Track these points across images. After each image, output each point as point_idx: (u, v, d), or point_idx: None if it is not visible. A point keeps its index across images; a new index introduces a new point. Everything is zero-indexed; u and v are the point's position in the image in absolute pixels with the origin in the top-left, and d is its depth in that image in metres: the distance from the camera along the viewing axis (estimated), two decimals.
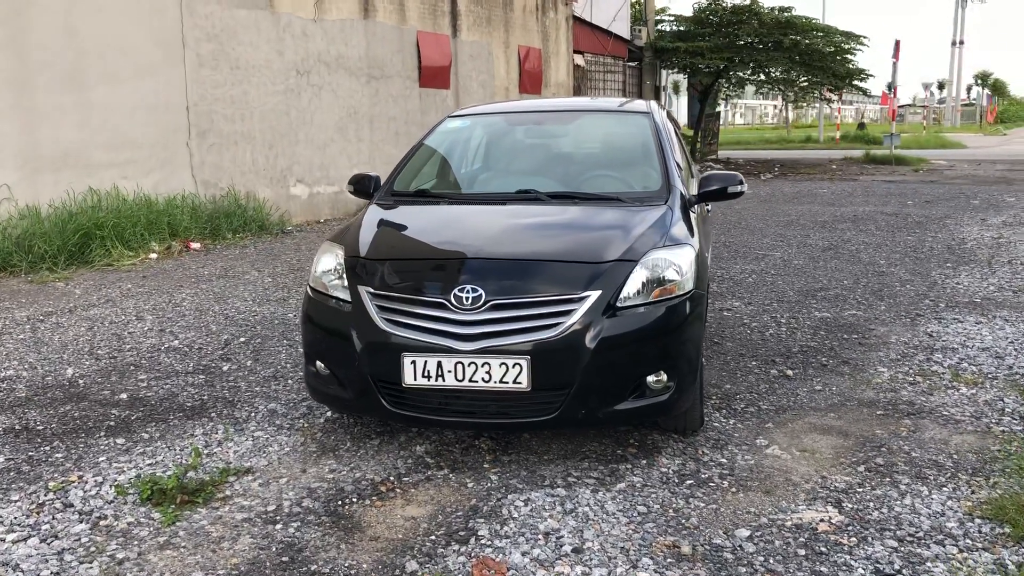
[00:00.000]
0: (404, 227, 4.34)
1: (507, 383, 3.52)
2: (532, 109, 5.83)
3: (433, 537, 3.20)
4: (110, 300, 7.45)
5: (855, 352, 5.52)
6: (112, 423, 4.47)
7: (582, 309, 3.56)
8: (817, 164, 23.51)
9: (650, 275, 3.73)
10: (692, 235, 4.14)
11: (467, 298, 3.58)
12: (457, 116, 5.48)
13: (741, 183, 4.67)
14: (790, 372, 5.12)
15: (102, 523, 3.36)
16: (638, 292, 3.68)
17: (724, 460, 3.85)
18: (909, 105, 69.71)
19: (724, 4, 23.11)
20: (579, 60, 20.04)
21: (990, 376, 4.97)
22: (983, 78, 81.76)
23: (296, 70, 12.76)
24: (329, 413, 4.50)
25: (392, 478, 3.72)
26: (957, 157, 27.00)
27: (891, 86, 29.54)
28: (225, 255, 9.82)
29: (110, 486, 3.68)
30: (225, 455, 4.01)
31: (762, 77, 24.12)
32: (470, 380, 3.54)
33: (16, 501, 3.56)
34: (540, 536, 3.17)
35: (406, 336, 3.62)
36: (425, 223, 4.35)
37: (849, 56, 22.80)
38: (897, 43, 23.02)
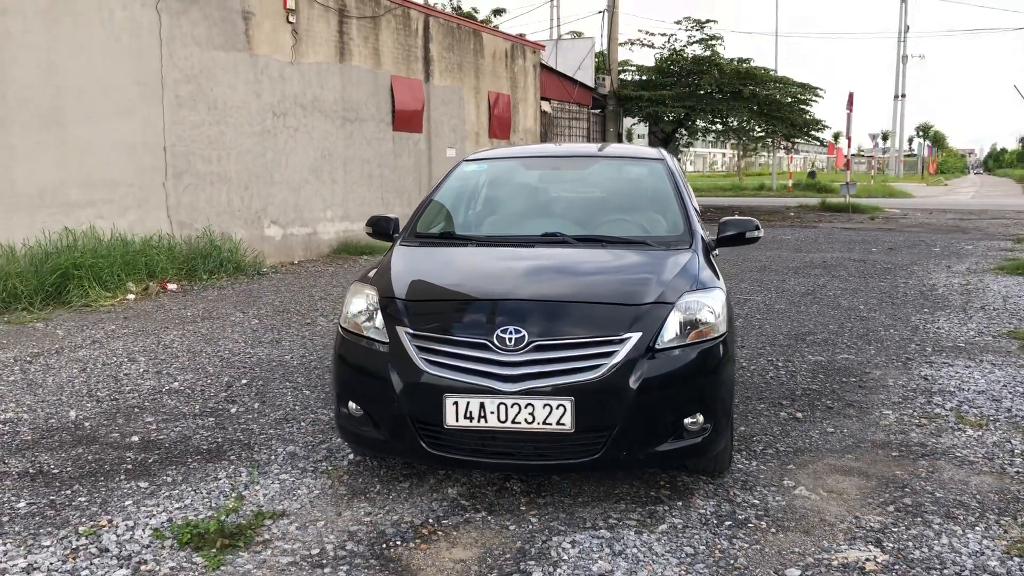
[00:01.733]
0: (437, 268, 4.36)
1: (550, 424, 3.54)
2: (547, 154, 5.92)
3: None
4: (96, 341, 7.31)
5: (857, 395, 5.64)
6: (130, 466, 4.38)
7: (624, 351, 3.61)
8: (775, 211, 24.03)
9: (686, 318, 3.80)
10: (718, 278, 4.22)
11: (510, 339, 3.60)
12: (473, 160, 5.55)
13: (757, 228, 4.79)
14: (799, 415, 5.21)
15: (143, 568, 3.29)
16: (676, 335, 3.74)
17: (756, 501, 3.90)
18: (855, 155, 71.59)
19: (685, 55, 23.68)
20: (546, 107, 20.33)
21: (992, 419, 5.11)
22: (924, 130, 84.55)
23: (273, 112, 12.76)
24: (352, 455, 4.47)
25: (431, 520, 3.70)
26: (907, 206, 27.82)
27: (837, 136, 30.44)
28: (204, 296, 9.71)
29: (143, 530, 3.60)
30: (255, 498, 3.95)
31: (721, 126, 24.67)
32: (513, 421, 3.55)
33: (49, 547, 3.47)
34: None
35: (448, 377, 3.63)
36: (458, 264, 4.37)
37: (806, 107, 23.47)
38: (851, 95, 23.74)
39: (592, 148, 7.31)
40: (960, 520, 3.70)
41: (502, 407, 3.55)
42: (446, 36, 16.56)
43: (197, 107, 11.54)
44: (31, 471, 4.31)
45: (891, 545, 3.45)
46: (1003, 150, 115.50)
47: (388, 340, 3.83)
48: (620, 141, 23.86)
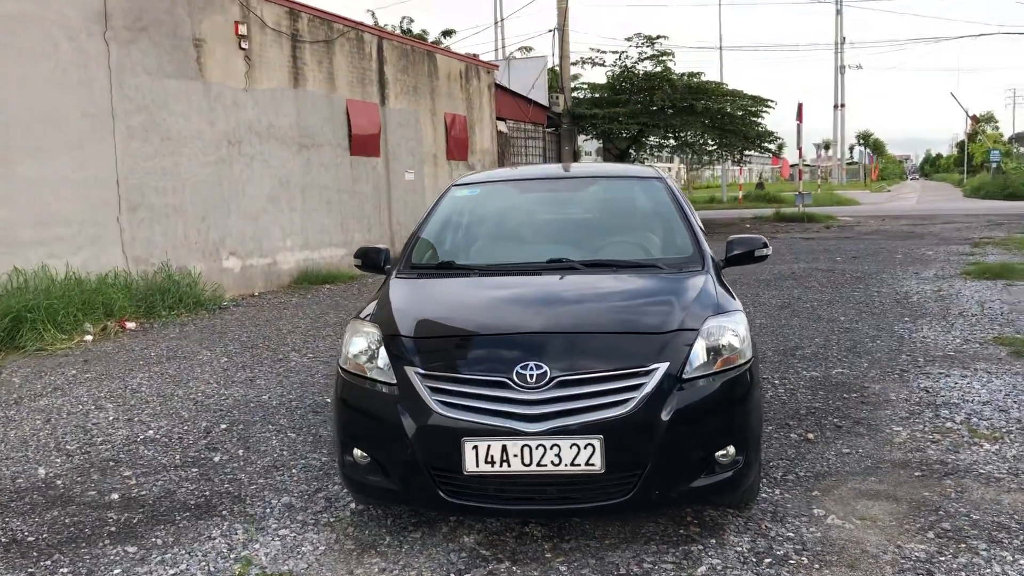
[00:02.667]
0: (442, 302, 4.09)
1: (579, 465, 3.31)
2: (540, 176, 5.71)
3: None
4: (58, 388, 6.90)
5: (863, 412, 5.50)
6: (113, 528, 4.04)
7: (652, 382, 3.40)
8: (731, 223, 24.13)
9: (711, 344, 3.60)
10: (734, 300, 4.04)
11: (531, 375, 3.37)
12: (463, 184, 5.31)
13: (766, 246, 4.63)
14: (811, 435, 5.05)
15: None
16: (703, 363, 3.54)
17: (791, 534, 3.71)
18: (795, 164, 72.78)
19: (637, 71, 23.74)
20: (502, 126, 20.19)
21: (1005, 431, 5.00)
22: (864, 138, 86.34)
23: (228, 140, 12.41)
24: (354, 504, 4.18)
25: (454, 575, 3.43)
26: (858, 213, 28.19)
27: (780, 147, 30.77)
28: (165, 334, 9.30)
29: None
30: (257, 559, 3.65)
31: (674, 141, 24.76)
32: (538, 464, 3.31)
33: None
34: None
35: (465, 419, 3.38)
36: (465, 297, 4.12)
37: (757, 119, 23.66)
38: (800, 106, 24.03)
39: (586, 168, 7.12)
40: (1006, 545, 3.54)
41: (526, 449, 3.31)
42: (400, 58, 16.34)
43: (150, 138, 11.15)
44: (2, 540, 3.95)
45: None
46: (938, 155, 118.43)
47: (396, 381, 3.57)
48: (575, 159, 23.80)
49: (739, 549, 3.57)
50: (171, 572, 3.55)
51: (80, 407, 6.29)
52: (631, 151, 24.90)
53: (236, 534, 3.91)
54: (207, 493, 4.47)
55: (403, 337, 3.68)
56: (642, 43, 23.54)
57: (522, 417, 3.34)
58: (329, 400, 6.22)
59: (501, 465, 3.33)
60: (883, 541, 3.62)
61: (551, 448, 3.30)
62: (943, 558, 3.44)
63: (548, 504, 3.46)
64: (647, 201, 4.98)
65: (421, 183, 17.04)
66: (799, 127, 24.12)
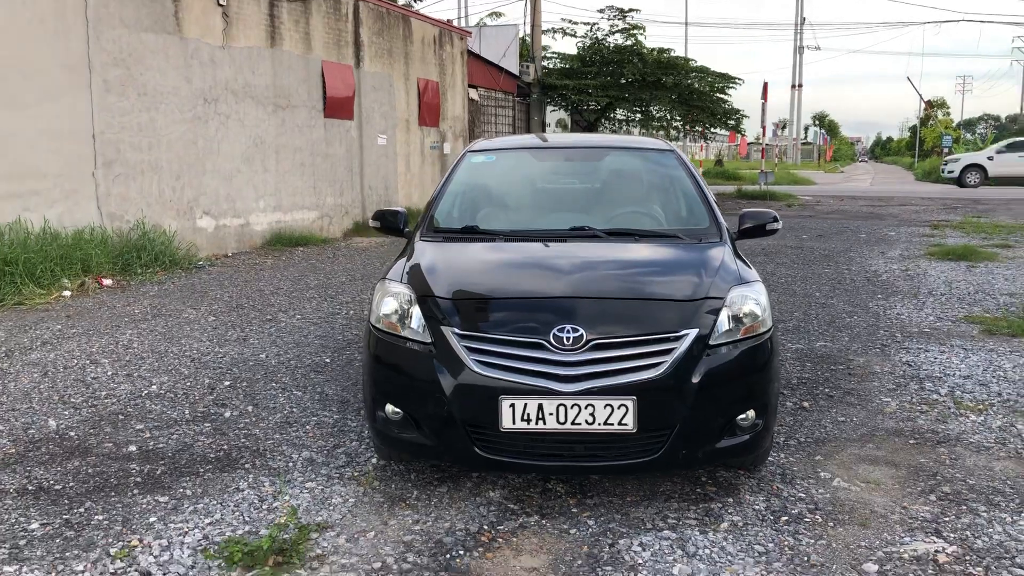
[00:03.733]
0: (474, 265, 4.17)
1: (612, 424, 3.44)
2: (555, 145, 5.79)
3: None
4: (47, 343, 6.85)
5: (851, 383, 5.73)
6: (139, 479, 4.09)
7: (682, 347, 3.54)
8: None
9: (735, 312, 3.75)
10: (752, 270, 4.20)
11: (568, 338, 3.49)
12: (478, 151, 5.37)
13: (776, 220, 4.79)
14: (806, 404, 5.25)
15: None
16: (728, 330, 3.69)
17: (802, 495, 3.89)
18: (755, 143, 73.68)
19: (607, 44, 23.80)
20: (473, 94, 20.14)
21: (988, 403, 5.25)
22: (820, 119, 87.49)
23: (204, 98, 12.24)
24: (376, 459, 4.28)
25: (486, 527, 3.56)
26: (816, 193, 28.68)
27: (740, 120, 31.11)
28: (144, 292, 9.24)
29: (180, 549, 3.36)
30: (286, 510, 3.73)
31: (642, 115, 24.92)
32: (572, 423, 3.44)
33: (83, 572, 3.19)
34: None
35: (503, 378, 3.49)
36: (496, 261, 4.21)
37: (723, 96, 23.91)
38: (765, 84, 24.34)
39: (600, 139, 7.20)
40: (1003, 507, 3.76)
41: (561, 408, 3.43)
42: (376, 21, 16.20)
43: (126, 92, 10.96)
44: (30, 488, 3.98)
45: (952, 535, 3.48)
46: (889, 138, 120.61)
47: (431, 340, 3.66)
48: (544, 130, 23.85)
49: (757, 507, 3.75)
50: (207, 521, 3.62)
51: (75, 362, 6.26)
52: (600, 123, 25.01)
53: (264, 486, 3.99)
54: (225, 447, 4.53)
55: (439, 298, 3.77)
56: (614, 16, 23.61)
57: (558, 378, 3.46)
58: (329, 361, 6.30)
59: (536, 423, 3.45)
60: (889, 502, 3.82)
61: (585, 408, 3.43)
62: (947, 518, 3.65)
63: (579, 461, 3.59)
64: (662, 172, 5.10)
65: (393, 148, 16.98)
66: (764, 106, 24.42)
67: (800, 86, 66.62)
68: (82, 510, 3.73)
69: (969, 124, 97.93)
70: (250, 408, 5.18)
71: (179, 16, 11.72)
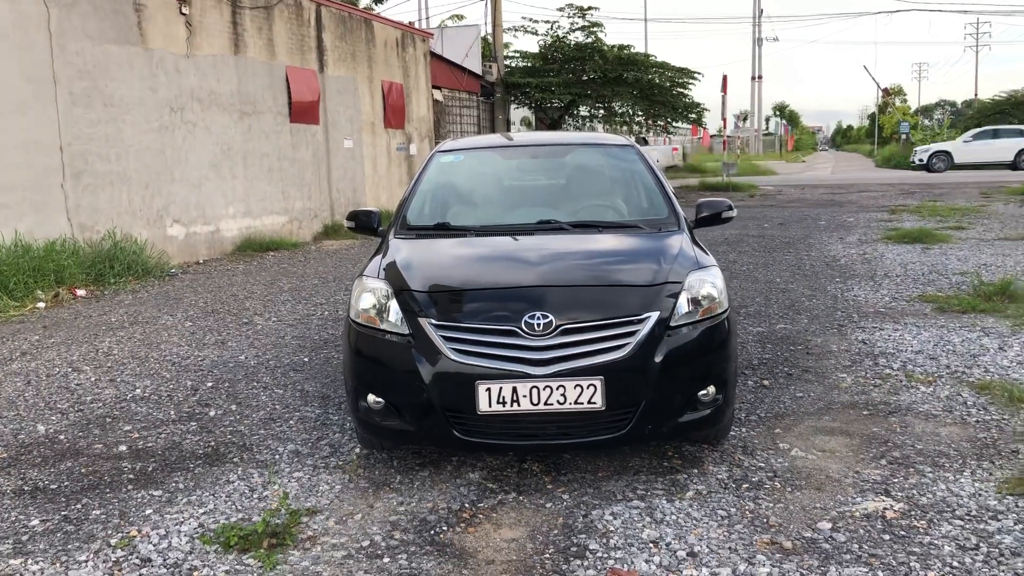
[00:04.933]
0: (446, 259, 4.39)
1: (582, 404, 3.67)
2: (521, 143, 6.01)
3: (548, 555, 3.31)
4: (26, 353, 6.97)
5: (809, 361, 6.01)
6: (131, 476, 4.26)
7: (644, 329, 3.78)
8: None
9: (693, 295, 4.00)
10: (709, 256, 4.45)
11: (538, 324, 3.72)
12: (447, 151, 5.58)
13: (731, 208, 5.05)
14: (766, 382, 5.52)
15: (196, 574, 3.25)
16: (687, 312, 3.94)
17: (762, 464, 4.15)
18: (717, 135, 74.46)
19: (568, 42, 24.09)
20: (437, 95, 20.32)
21: (937, 375, 5.55)
22: (780, 109, 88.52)
23: (170, 107, 12.34)
24: (359, 449, 4.48)
25: (467, 505, 3.78)
26: (778, 182, 29.17)
27: (700, 114, 31.52)
28: (119, 301, 9.34)
29: (178, 537, 3.55)
30: (277, 498, 3.93)
31: (604, 111, 25.24)
32: (545, 403, 3.67)
33: (86, 561, 3.37)
34: (650, 544, 3.35)
35: (479, 364, 3.71)
36: (467, 255, 4.42)
37: (684, 91, 24.30)
38: (724, 78, 24.72)
39: (563, 136, 7.42)
40: (947, 468, 4.04)
41: (534, 390, 3.66)
42: (338, 25, 16.34)
43: (92, 104, 11.05)
44: (26, 488, 4.14)
45: (900, 494, 3.75)
46: (849, 127, 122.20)
47: (409, 332, 3.87)
48: (508, 128, 24.08)
49: (719, 477, 4.00)
50: (201, 511, 3.81)
51: (57, 370, 6.40)
52: (563, 120, 25.30)
53: (253, 477, 4.18)
54: (212, 443, 4.70)
55: (415, 291, 3.98)
56: (574, 14, 23.90)
57: (531, 362, 3.69)
58: (307, 360, 6.48)
59: (511, 405, 3.67)
60: (843, 468, 4.09)
61: (557, 389, 3.66)
62: (896, 480, 3.92)
63: (552, 439, 3.82)
64: (623, 167, 5.35)
65: (360, 151, 17.13)
66: (724, 99, 24.82)
67: (760, 78, 67.39)
68: (79, 506, 3.90)
69: (926, 110, 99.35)
70: (234, 407, 5.36)
71: (142, 27, 11.82)
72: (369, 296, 4.11)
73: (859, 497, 3.74)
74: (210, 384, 5.88)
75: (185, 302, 9.19)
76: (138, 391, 5.78)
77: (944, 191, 21.93)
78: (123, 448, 4.67)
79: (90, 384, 5.98)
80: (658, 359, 3.76)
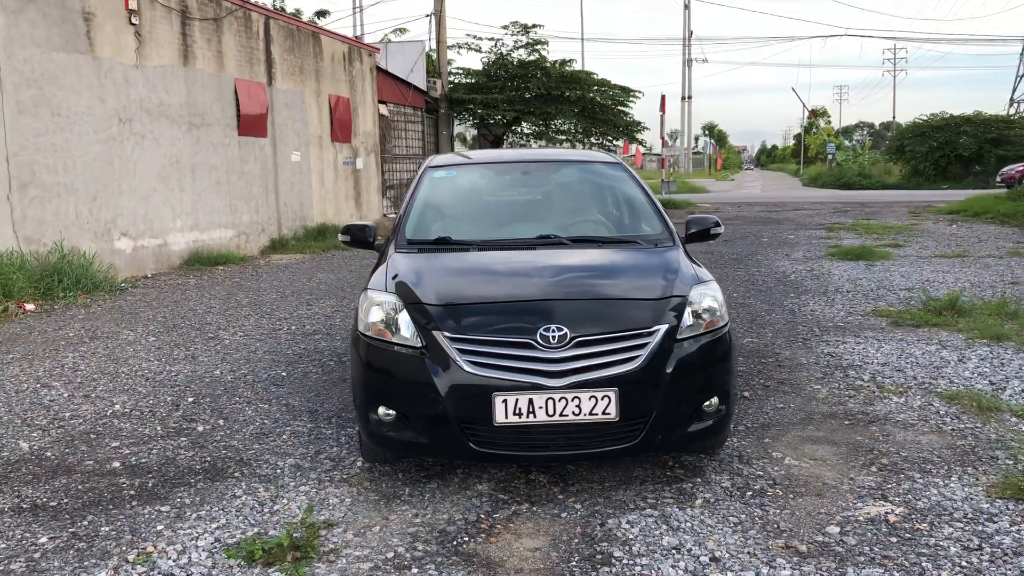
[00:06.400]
0: (456, 273, 4.43)
1: (596, 415, 3.76)
2: (512, 160, 6.08)
3: (574, 562, 3.37)
4: None
5: (782, 374, 6.20)
6: (132, 492, 4.19)
7: (655, 341, 3.89)
8: None
9: (697, 309, 4.13)
10: (705, 271, 4.59)
11: (553, 337, 3.79)
12: (439, 167, 5.63)
13: (718, 224, 5.20)
14: (746, 394, 5.69)
15: None
16: (691, 325, 4.06)
17: (760, 472, 4.29)
18: (648, 153, 75.68)
19: (512, 59, 24.30)
20: (383, 110, 20.29)
21: (906, 386, 5.79)
22: (710, 129, 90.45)
23: (119, 117, 12.10)
24: (361, 462, 4.49)
25: (483, 516, 3.83)
26: (713, 200, 29.83)
27: (635, 133, 31.99)
28: (72, 316, 9.12)
29: (197, 553, 3.52)
30: (289, 510, 3.92)
31: (545, 128, 25.49)
32: (560, 414, 3.75)
33: None
34: (672, 551, 3.44)
35: (495, 376, 3.77)
36: (476, 269, 4.47)
37: (625, 109, 24.70)
38: (663, 97, 25.27)
39: (553, 153, 7.52)
40: (935, 473, 4.24)
41: (550, 402, 3.73)
42: (287, 38, 16.24)
43: (40, 113, 10.78)
44: (24, 506, 4.05)
45: (897, 499, 3.92)
46: (774, 147, 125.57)
47: (421, 345, 3.91)
48: (452, 144, 24.15)
49: (723, 485, 4.12)
50: (214, 526, 3.78)
51: (25, 386, 6.23)
52: (506, 137, 25.47)
53: (259, 492, 4.15)
54: (208, 459, 4.65)
55: (427, 305, 4.02)
56: (518, 31, 24.13)
57: (546, 374, 3.76)
58: (285, 374, 6.44)
59: (527, 416, 3.74)
60: (837, 475, 4.25)
61: (572, 400, 3.74)
62: (890, 485, 4.10)
63: (564, 451, 3.89)
64: (614, 183, 5.47)
65: (307, 164, 17.01)
66: (662, 118, 25.31)
67: (689, 98, 68.82)
68: (85, 523, 3.83)
69: (847, 131, 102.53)
70: (221, 422, 5.30)
71: (91, 35, 11.59)
72: (378, 310, 4.14)
73: (859, 502, 3.90)
74: (191, 399, 5.81)
75: (143, 317, 9.02)
76: (117, 407, 5.67)
77: (874, 210, 22.72)
78: (116, 464, 4.59)
79: (64, 400, 5.84)
80: (668, 370, 3.87)
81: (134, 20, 12.33)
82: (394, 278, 4.33)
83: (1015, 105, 49.90)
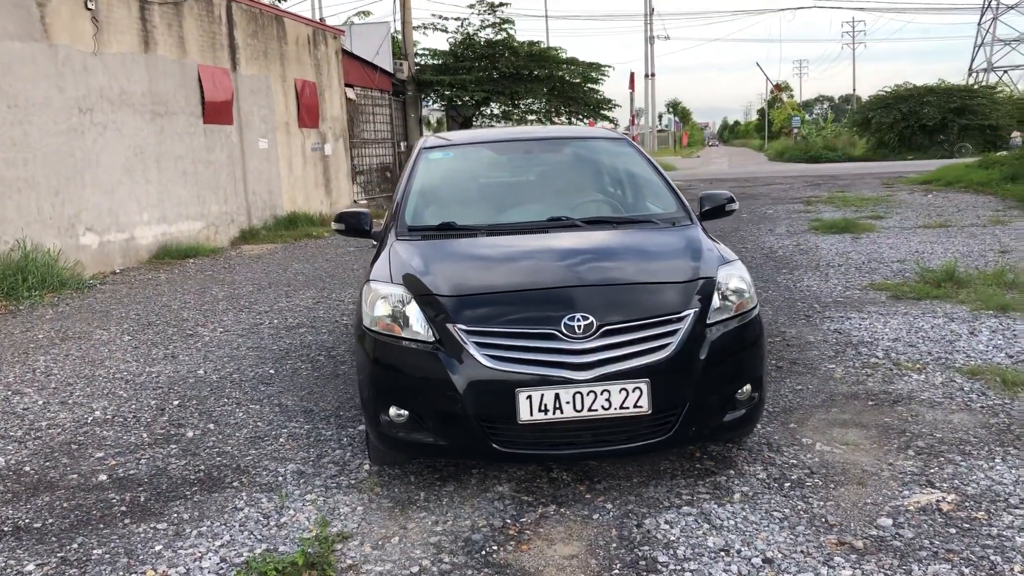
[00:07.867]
0: (465, 261, 4.12)
1: (628, 408, 3.50)
2: (512, 138, 5.77)
3: (616, 570, 3.12)
4: None
5: (793, 353, 5.99)
6: (124, 508, 3.87)
7: (685, 327, 3.63)
8: None
9: (725, 291, 3.87)
10: (728, 250, 4.33)
11: (579, 326, 3.52)
12: (434, 148, 5.31)
13: (732, 201, 4.95)
14: None
15: None
16: (718, 308, 3.81)
17: (794, 461, 4.06)
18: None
19: (479, 39, 23.88)
20: (350, 93, 19.83)
21: (923, 362, 5.59)
22: (674, 106, 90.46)
23: (79, 107, 11.60)
24: (368, 465, 4.20)
25: (509, 521, 3.56)
26: (683, 177, 29.64)
27: (605, 106, 31.74)
28: (40, 316, 8.70)
29: (204, 575, 3.21)
30: (296, 523, 3.63)
31: (514, 108, 25.12)
32: (589, 409, 3.48)
33: None
34: (720, 553, 3.20)
35: (518, 371, 3.49)
36: (485, 255, 4.17)
37: (595, 86, 24.40)
38: (632, 75, 25.07)
39: (554, 130, 7.22)
40: (976, 455, 4.04)
41: (578, 396, 3.47)
42: (250, 22, 15.73)
43: None
44: (5, 529, 3.71)
45: (945, 485, 3.71)
46: (736, 122, 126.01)
47: (435, 339, 3.62)
48: (421, 128, 23.73)
49: (759, 477, 3.89)
50: (218, 544, 3.47)
51: None
52: (475, 118, 25.08)
53: (262, 503, 3.85)
54: (202, 467, 4.34)
55: (439, 296, 3.72)
56: (484, 10, 23.71)
57: (573, 366, 3.49)
58: (273, 372, 6.12)
59: (554, 412, 3.47)
60: (875, 461, 4.04)
61: (602, 394, 3.47)
62: (933, 470, 3.89)
63: (591, 447, 3.63)
64: (621, 160, 5.19)
65: (275, 151, 16.55)
66: (632, 95, 25.07)
67: (653, 75, 68.54)
68: (75, 546, 3.51)
69: (807, 105, 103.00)
70: (211, 426, 4.98)
71: (46, 22, 11.06)
72: (384, 303, 3.84)
73: (905, 490, 3.69)
74: (176, 402, 5.47)
75: (115, 315, 8.62)
76: (98, 413, 5.32)
77: (847, 182, 22.67)
78: (103, 477, 4.26)
79: (39, 408, 5.48)
80: (702, 357, 3.62)
81: (90, 5, 11.81)
82: (400, 268, 4.03)
83: (974, 75, 50.31)
